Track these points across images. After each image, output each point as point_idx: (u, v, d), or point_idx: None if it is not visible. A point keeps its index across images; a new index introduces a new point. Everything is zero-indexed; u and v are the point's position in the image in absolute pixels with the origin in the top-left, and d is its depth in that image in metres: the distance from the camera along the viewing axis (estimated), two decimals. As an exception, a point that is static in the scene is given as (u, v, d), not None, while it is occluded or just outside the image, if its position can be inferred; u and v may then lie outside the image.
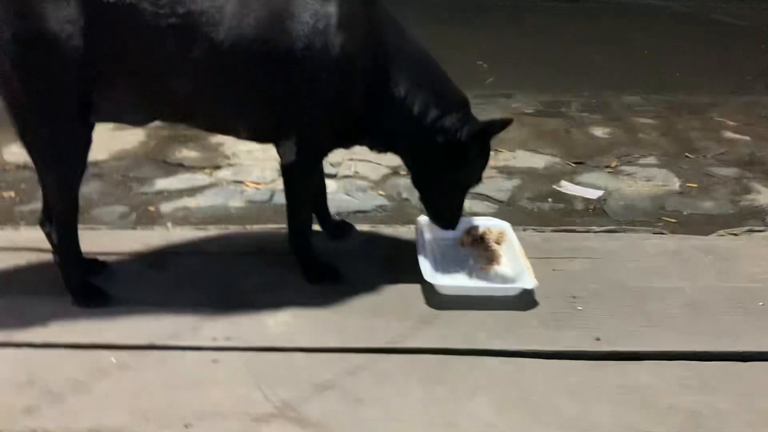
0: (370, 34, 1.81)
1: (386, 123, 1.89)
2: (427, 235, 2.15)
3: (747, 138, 3.73)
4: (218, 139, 3.43)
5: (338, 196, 2.84)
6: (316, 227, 2.18)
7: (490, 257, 2.08)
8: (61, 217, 1.83)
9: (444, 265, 2.05)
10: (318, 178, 2.16)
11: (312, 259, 2.02)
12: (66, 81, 1.65)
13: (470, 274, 2.02)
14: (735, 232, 2.42)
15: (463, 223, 2.18)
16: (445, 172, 1.93)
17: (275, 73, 1.74)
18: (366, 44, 1.80)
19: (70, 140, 1.73)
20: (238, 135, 1.94)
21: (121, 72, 1.69)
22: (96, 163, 3.09)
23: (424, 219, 2.21)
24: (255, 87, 1.76)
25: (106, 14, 1.61)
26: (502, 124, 1.87)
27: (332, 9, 1.73)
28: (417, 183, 2.02)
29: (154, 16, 1.63)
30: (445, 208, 2.02)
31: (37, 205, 1.96)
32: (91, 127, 1.78)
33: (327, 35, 1.72)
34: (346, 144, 2.03)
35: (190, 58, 1.68)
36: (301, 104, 1.79)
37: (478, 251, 2.12)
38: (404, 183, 3.02)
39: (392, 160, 3.23)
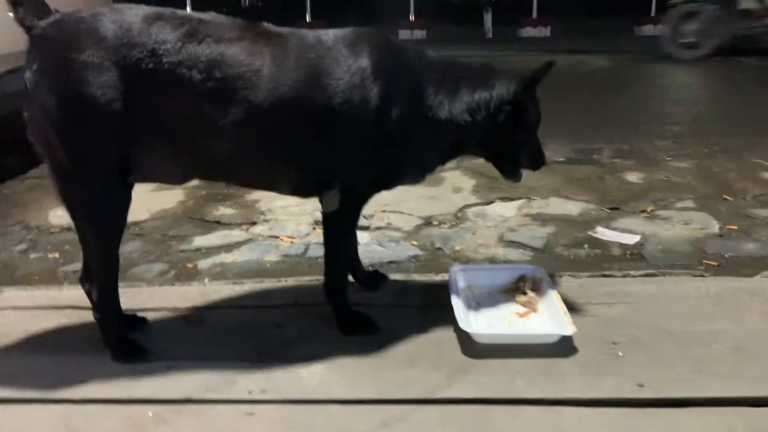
0: (403, 76, 1.86)
1: (442, 144, 1.95)
2: (461, 283, 2.14)
3: (787, 178, 3.66)
4: (254, 195, 3.51)
5: (371, 248, 2.86)
6: (349, 278, 2.18)
7: (526, 304, 2.06)
8: (101, 275, 1.87)
9: (479, 312, 2.04)
10: None
11: (346, 310, 2.02)
12: (107, 143, 1.71)
13: (506, 322, 1.99)
14: (780, 273, 2.34)
15: (498, 271, 2.19)
16: (519, 131, 1.98)
17: (315, 130, 1.78)
18: (402, 89, 1.84)
19: (110, 200, 1.78)
20: (280, 191, 1.98)
21: (160, 134, 1.74)
22: (137, 223, 3.18)
23: (458, 267, 2.21)
24: (295, 145, 1.80)
25: (145, 79, 1.67)
26: (547, 67, 1.90)
27: (365, 62, 1.78)
28: (496, 158, 2.08)
29: (191, 80, 1.68)
30: (533, 153, 2.06)
31: (80, 265, 2.02)
32: (130, 187, 1.83)
33: (363, 88, 1.77)
34: (391, 186, 2.03)
35: (228, 120, 1.72)
36: (344, 157, 1.83)
37: (513, 298, 2.10)
38: (437, 233, 3.03)
39: (424, 210, 3.28)
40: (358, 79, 1.77)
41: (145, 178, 1.86)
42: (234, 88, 1.70)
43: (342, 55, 1.79)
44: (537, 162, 2.07)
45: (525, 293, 2.10)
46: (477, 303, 2.10)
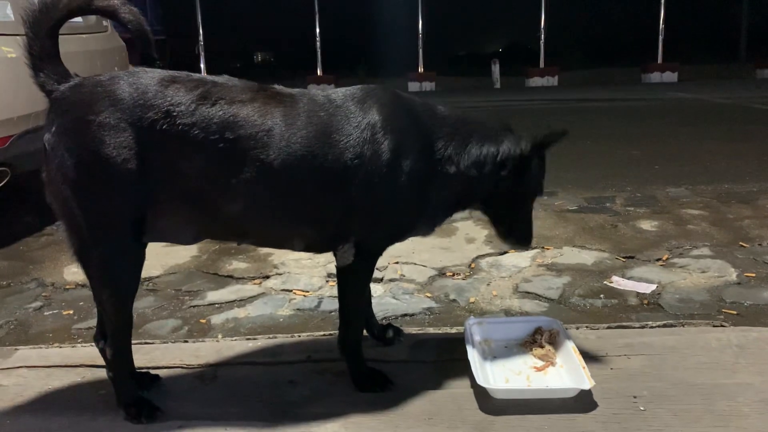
0: (412, 130, 1.88)
1: (451, 197, 1.96)
2: (477, 337, 2.12)
3: (803, 224, 3.62)
4: (267, 249, 3.51)
5: (385, 300, 2.84)
6: (364, 333, 2.16)
7: (544, 357, 2.02)
8: (114, 333, 1.86)
9: (496, 367, 2.01)
10: None
11: (361, 366, 2.00)
12: (121, 203, 1.73)
13: (524, 376, 1.96)
14: (803, 322, 2.30)
15: (514, 324, 2.17)
16: (518, 191, 2.00)
17: (328, 186, 1.79)
18: (412, 143, 1.85)
19: (124, 259, 1.79)
20: (294, 248, 1.98)
21: (173, 194, 1.76)
22: (150, 279, 3.19)
23: (473, 320, 2.19)
24: (308, 202, 1.82)
25: (159, 140, 1.69)
26: (560, 134, 1.93)
27: (375, 117, 1.81)
28: (495, 216, 2.10)
29: (204, 141, 1.70)
30: (523, 225, 2.10)
31: (94, 322, 2.01)
32: (144, 246, 1.84)
33: (374, 143, 1.79)
34: (403, 239, 2.03)
35: (241, 179, 1.74)
36: (357, 212, 1.83)
37: (530, 351, 2.07)
38: (451, 284, 3.01)
39: (438, 261, 3.26)
40: (368, 134, 1.79)
41: (158, 238, 1.86)
42: (246, 148, 1.73)
43: (351, 112, 1.82)
44: (526, 238, 2.11)
45: (542, 346, 2.07)
46: (494, 357, 2.07)
